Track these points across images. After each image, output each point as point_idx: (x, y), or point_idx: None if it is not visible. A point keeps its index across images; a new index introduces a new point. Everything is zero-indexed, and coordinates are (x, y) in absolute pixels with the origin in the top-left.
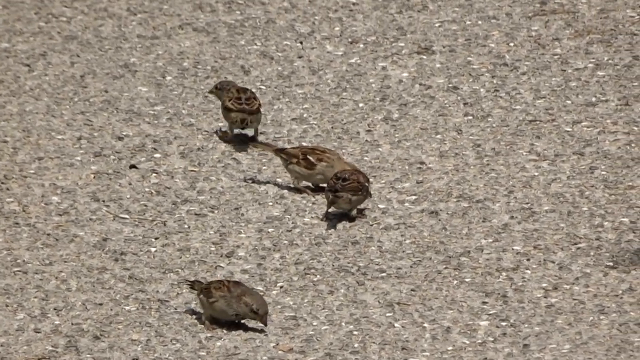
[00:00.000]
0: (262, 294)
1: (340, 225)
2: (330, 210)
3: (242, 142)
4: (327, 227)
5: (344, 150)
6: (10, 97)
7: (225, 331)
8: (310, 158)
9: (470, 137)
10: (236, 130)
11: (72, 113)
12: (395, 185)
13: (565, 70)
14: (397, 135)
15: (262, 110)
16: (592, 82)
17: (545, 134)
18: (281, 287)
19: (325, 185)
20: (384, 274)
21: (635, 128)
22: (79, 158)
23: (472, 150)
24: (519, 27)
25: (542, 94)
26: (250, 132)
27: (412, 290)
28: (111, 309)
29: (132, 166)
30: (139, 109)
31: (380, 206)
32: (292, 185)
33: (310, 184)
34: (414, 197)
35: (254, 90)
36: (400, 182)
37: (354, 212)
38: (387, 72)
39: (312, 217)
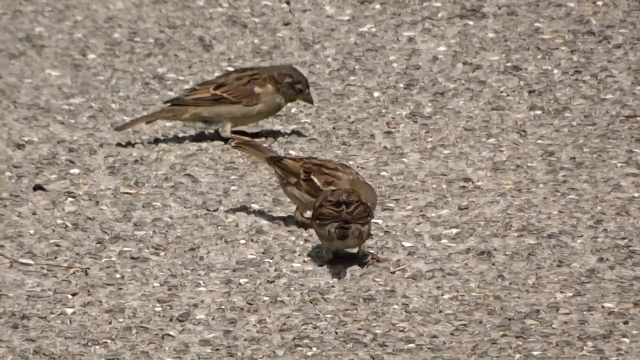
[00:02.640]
0: None
1: (346, 273)
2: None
3: (200, 150)
4: (327, 276)
5: (351, 162)
6: None
7: None
8: (315, 179)
9: (539, 141)
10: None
11: None
12: (428, 212)
13: None
14: (430, 140)
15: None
16: None
17: None
18: None
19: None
20: (411, 345)
21: None
22: None
23: (541, 161)
24: None
25: None
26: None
27: None
28: None
29: (38, 187)
30: (47, 103)
31: (406, 244)
32: (294, 216)
33: None
34: (455, 231)
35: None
36: (435, 208)
37: (363, 249)
38: (416, 45)
39: (304, 260)
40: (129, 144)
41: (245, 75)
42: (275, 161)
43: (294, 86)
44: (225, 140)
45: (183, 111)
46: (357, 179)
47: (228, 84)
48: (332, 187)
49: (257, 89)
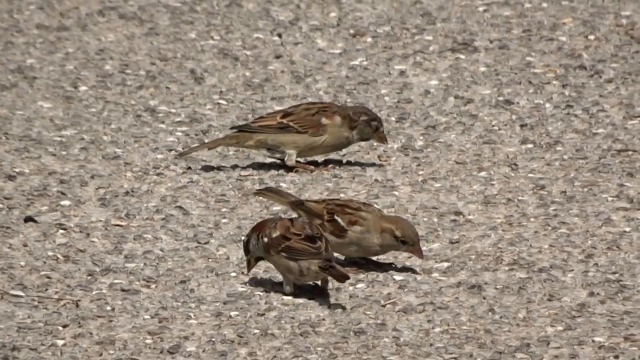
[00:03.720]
0: None
1: (337, 306)
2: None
3: (191, 182)
4: (318, 309)
5: (342, 195)
6: None
7: None
8: (339, 220)
9: (530, 174)
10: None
11: None
12: None
13: None
14: (421, 173)
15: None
16: None
17: None
18: None
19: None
20: None
21: None
22: None
23: (532, 195)
24: (603, 12)
25: (636, 111)
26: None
27: None
28: None
29: (29, 219)
30: (38, 135)
31: (397, 277)
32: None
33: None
34: (446, 265)
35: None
36: (426, 241)
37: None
38: (408, 78)
39: (295, 294)
40: (120, 175)
41: (314, 107)
42: (298, 205)
43: (370, 123)
44: (291, 169)
45: (247, 138)
46: (381, 214)
47: (296, 114)
48: (360, 228)
49: (324, 120)
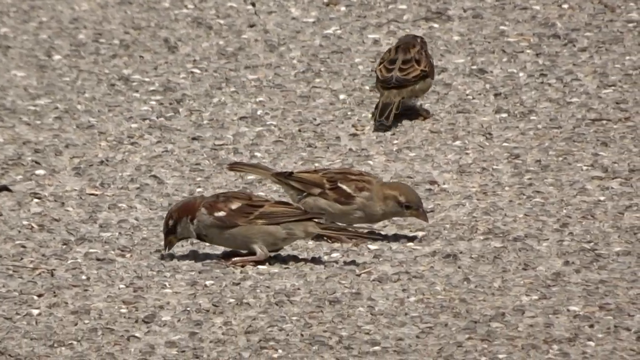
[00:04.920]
0: None
1: (312, 276)
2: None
3: (165, 152)
4: (293, 278)
5: (317, 165)
6: None
7: None
8: (345, 187)
9: (505, 144)
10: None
11: None
12: None
13: None
14: (395, 142)
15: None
16: None
17: (615, 140)
18: None
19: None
20: (377, 348)
21: None
22: None
23: (507, 164)
24: None
25: (610, 80)
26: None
27: None
28: None
29: (3, 188)
30: (12, 104)
31: (372, 247)
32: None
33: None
34: (421, 234)
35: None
36: None
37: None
38: (382, 47)
39: (269, 263)
40: (94, 144)
41: (421, 51)
42: (286, 176)
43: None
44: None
45: (407, 90)
46: (380, 181)
47: (422, 60)
48: (367, 194)
49: (431, 60)
